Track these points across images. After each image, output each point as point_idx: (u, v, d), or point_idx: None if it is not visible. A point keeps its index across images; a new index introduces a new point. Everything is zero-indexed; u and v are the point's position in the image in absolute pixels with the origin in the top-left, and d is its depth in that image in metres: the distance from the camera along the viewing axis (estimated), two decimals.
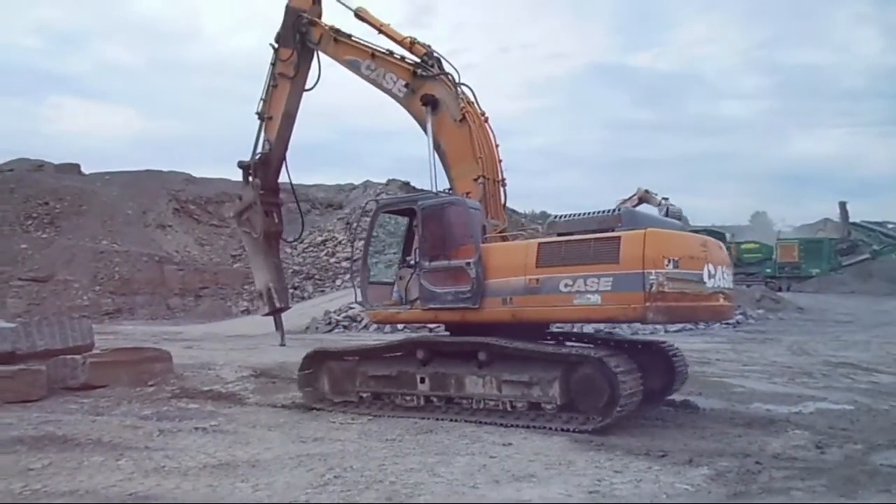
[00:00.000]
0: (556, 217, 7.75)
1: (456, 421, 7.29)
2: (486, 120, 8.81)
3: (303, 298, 30.52)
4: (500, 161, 8.81)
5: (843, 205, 45.55)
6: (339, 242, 33.27)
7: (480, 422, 7.17)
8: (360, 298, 8.64)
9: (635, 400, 6.91)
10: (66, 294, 29.61)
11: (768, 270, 40.06)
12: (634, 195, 27.74)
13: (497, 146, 8.83)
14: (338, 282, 30.45)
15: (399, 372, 7.97)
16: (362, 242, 9.21)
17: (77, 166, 41.22)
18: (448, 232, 7.84)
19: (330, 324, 22.20)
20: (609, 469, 5.48)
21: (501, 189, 8.80)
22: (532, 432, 6.83)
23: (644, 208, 20.45)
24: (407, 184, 38.64)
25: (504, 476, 5.29)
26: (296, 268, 33.70)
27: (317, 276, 31.81)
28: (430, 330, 19.29)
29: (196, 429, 7.09)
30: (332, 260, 32.40)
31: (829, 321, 23.98)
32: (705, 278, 7.05)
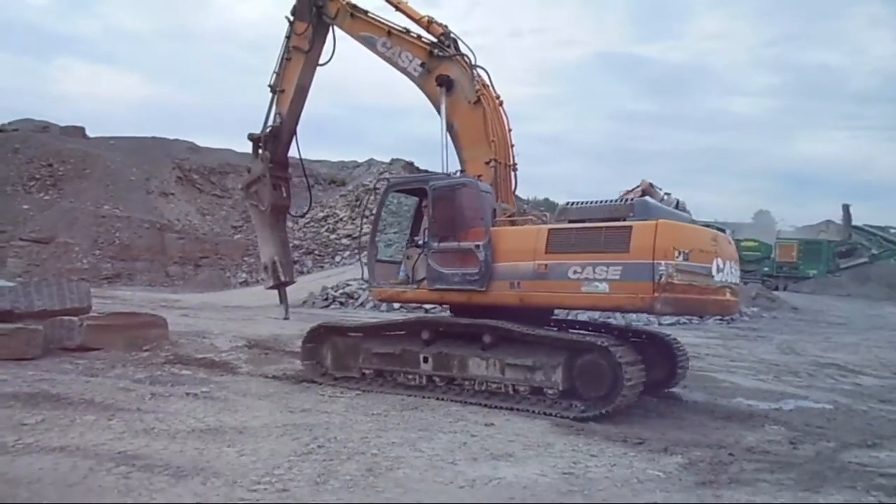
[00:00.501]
0: (567, 203, 7.73)
1: (456, 402, 7.35)
2: (501, 104, 8.77)
3: (301, 273, 30.64)
4: (512, 146, 8.80)
5: (846, 207, 45.44)
6: (341, 219, 33.36)
7: (481, 403, 7.23)
8: (366, 276, 8.69)
9: (637, 390, 6.97)
10: (66, 256, 29.77)
11: (766, 269, 40.13)
12: (638, 187, 27.76)
13: (510, 130, 8.82)
14: (337, 258, 30.59)
15: (402, 350, 8.02)
16: (370, 220, 9.26)
17: (82, 129, 41.17)
18: (458, 214, 7.83)
19: (327, 299, 22.35)
20: (586, 453, 5.64)
21: (512, 173, 8.78)
22: (514, 414, 6.99)
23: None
24: (411, 163, 38.62)
25: (483, 454, 5.45)
26: (296, 242, 33.78)
27: (317, 252, 31.92)
28: (426, 311, 19.49)
29: (187, 394, 7.25)
30: (333, 236, 32.49)
31: (822, 322, 24.12)
32: (714, 272, 7.06)
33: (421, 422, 6.53)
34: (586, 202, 7.49)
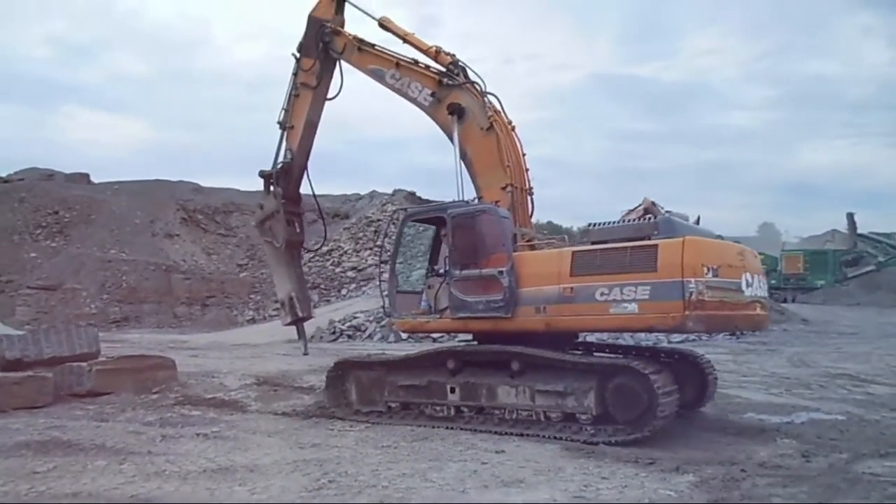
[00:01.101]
0: (590, 225, 7.70)
1: (487, 432, 7.25)
2: (513, 128, 8.76)
3: None
4: (527, 170, 8.75)
5: (850, 216, 45.38)
6: (345, 252, 33.50)
7: (509, 433, 7.11)
8: (387, 307, 8.66)
9: (672, 412, 6.86)
10: (74, 302, 29.94)
11: (773, 282, 39.96)
12: (640, 206, 27.87)
13: (524, 155, 8.79)
14: (343, 291, 30.66)
15: (429, 381, 7.91)
16: (386, 251, 9.24)
17: (87, 176, 41.74)
18: (479, 240, 7.77)
19: (334, 333, 22.37)
20: (597, 475, 5.62)
21: (529, 198, 8.76)
22: (525, 440, 6.97)
23: None
24: (413, 194, 38.87)
25: (493, 482, 5.44)
26: None
27: (322, 286, 32.01)
28: (434, 340, 19.45)
29: (197, 435, 7.27)
30: (338, 269, 32.61)
31: (833, 333, 23.95)
32: (743, 287, 6.99)
33: (431, 452, 6.53)
34: (609, 223, 7.46)
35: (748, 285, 7.06)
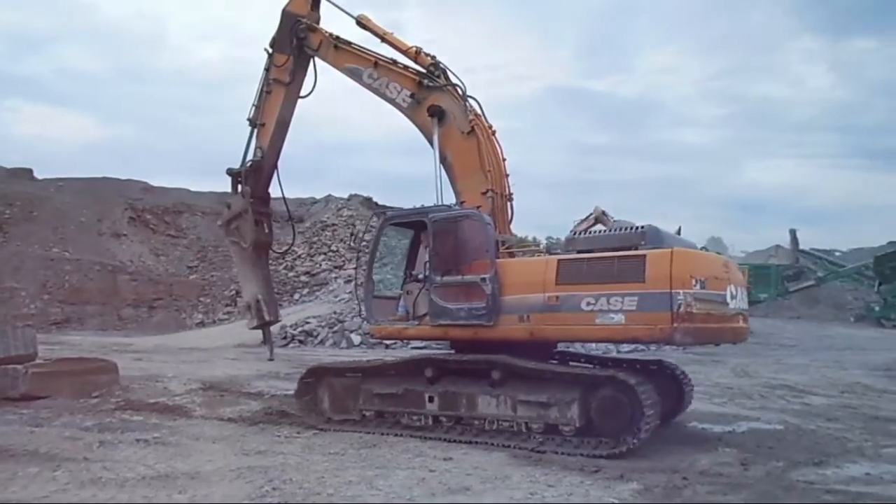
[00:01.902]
0: (574, 234, 7.62)
1: (465, 442, 7.10)
2: (494, 133, 8.61)
3: None
4: (507, 175, 8.61)
5: (793, 232, 46.91)
6: (299, 256, 33.03)
7: (491, 443, 6.99)
8: (363, 313, 8.47)
9: (655, 423, 6.78)
10: (13, 302, 28.70)
11: None
12: (591, 215, 28.27)
13: (504, 160, 8.61)
14: (296, 296, 30.22)
15: (406, 390, 7.72)
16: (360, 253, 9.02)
17: (29, 171, 40.09)
18: (461, 246, 7.64)
19: (286, 338, 22.01)
20: (543, 483, 5.67)
21: (508, 204, 8.59)
22: (473, 447, 6.98)
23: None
24: (369, 199, 38.65)
25: (440, 489, 5.43)
26: None
27: (274, 290, 31.52)
28: (387, 347, 19.28)
29: (138, 440, 7.06)
30: (291, 274, 32.12)
31: (774, 345, 24.73)
32: (728, 299, 6.96)
33: (379, 459, 6.47)
34: (595, 231, 7.34)
35: (732, 297, 7.06)
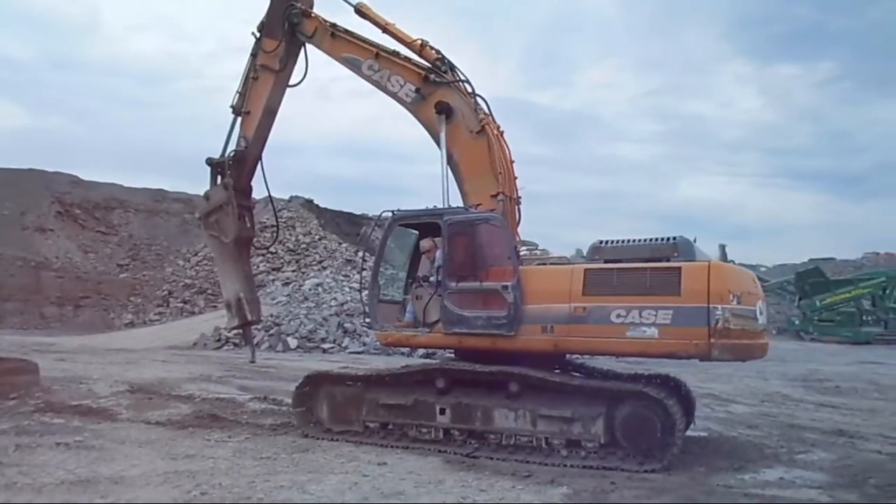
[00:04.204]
0: (601, 242, 7.20)
1: (481, 458, 6.78)
2: (502, 134, 8.31)
3: (192, 313, 29.44)
4: (515, 178, 8.31)
5: (722, 247, 48.32)
6: None
7: (508, 459, 6.69)
8: (368, 318, 8.11)
9: (682, 438, 6.61)
10: None
11: None
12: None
13: (512, 162, 8.31)
14: None
15: (415, 401, 7.33)
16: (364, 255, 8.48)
17: None
18: (479, 251, 7.28)
19: (220, 340, 21.50)
20: (475, 488, 5.72)
21: (517, 208, 8.31)
22: (408, 452, 6.98)
23: None
24: (310, 201, 38.26)
25: (373, 494, 5.42)
26: (187, 281, 32.48)
27: (209, 291, 30.73)
28: (324, 352, 19.01)
29: (58, 444, 6.77)
30: None
31: None
32: (758, 314, 6.86)
33: (312, 464, 6.41)
34: (622, 241, 7.08)
35: (761, 313, 6.98)
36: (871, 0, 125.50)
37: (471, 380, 7.24)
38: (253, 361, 10.73)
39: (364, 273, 8.59)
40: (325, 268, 30.17)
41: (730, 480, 6.26)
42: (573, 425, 6.72)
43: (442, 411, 7.23)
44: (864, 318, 32.12)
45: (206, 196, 9.67)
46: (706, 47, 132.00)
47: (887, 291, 32.19)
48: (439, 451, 7.01)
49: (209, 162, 9.52)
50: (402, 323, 7.87)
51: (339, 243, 33.78)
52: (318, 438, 7.55)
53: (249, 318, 9.49)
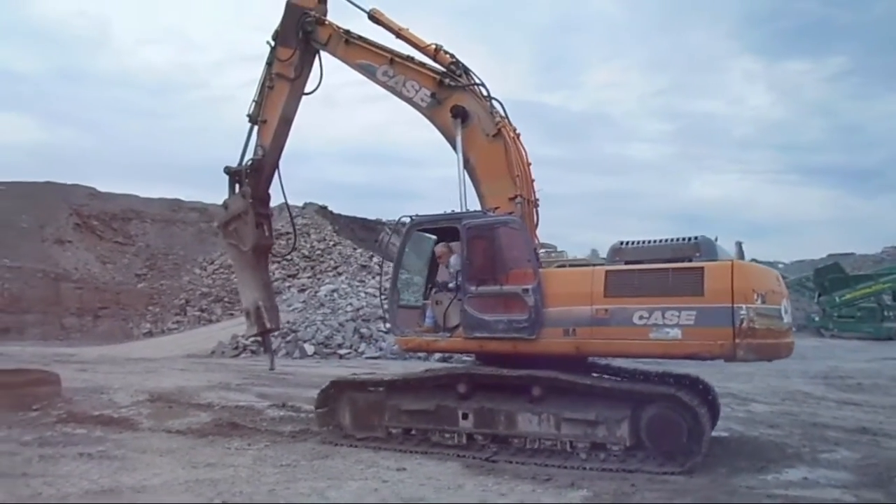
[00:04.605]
0: (621, 243, 7.18)
1: (503, 462, 6.75)
2: (518, 136, 8.30)
3: (210, 322, 29.63)
4: (533, 180, 8.29)
5: (739, 244, 48.07)
6: None
7: (530, 463, 6.64)
8: (388, 324, 8.14)
9: (708, 445, 6.52)
10: None
11: None
12: None
13: (529, 164, 8.30)
14: None
15: (437, 406, 7.32)
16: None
17: None
18: (499, 254, 7.27)
19: (237, 348, 21.60)
20: (495, 492, 5.73)
21: (535, 210, 8.26)
22: (427, 457, 6.98)
23: None
24: (324, 208, 38.42)
25: (393, 499, 5.44)
26: (204, 290, 32.71)
27: (226, 299, 30.93)
28: (341, 357, 19.03)
29: (81, 454, 6.85)
30: None
31: None
32: (783, 313, 6.82)
33: (331, 470, 6.43)
34: (642, 241, 7.06)
35: (786, 311, 6.93)
36: None
37: (493, 384, 7.21)
38: (272, 369, 10.74)
39: (383, 278, 8.60)
40: (340, 273, 30.26)
41: (752, 481, 6.20)
42: (598, 428, 6.68)
43: (465, 416, 7.21)
44: (885, 313, 31.67)
45: (225, 205, 9.75)
46: (713, 45, 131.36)
47: None
48: (458, 455, 6.98)
49: (227, 171, 9.60)
50: (423, 328, 7.86)
51: (354, 249, 33.87)
52: (339, 445, 7.55)
53: (268, 325, 9.54)
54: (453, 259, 7.79)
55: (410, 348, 8.60)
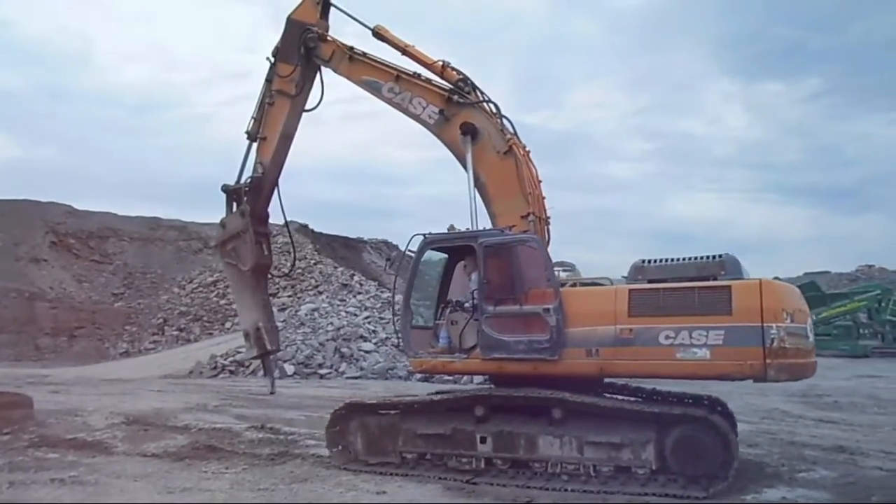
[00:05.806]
0: (643, 262, 7.01)
1: (521, 486, 6.57)
2: (528, 154, 8.20)
3: (188, 341, 29.29)
4: (544, 198, 8.20)
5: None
6: (230, 284, 32.28)
7: (551, 488, 6.47)
8: (401, 345, 7.93)
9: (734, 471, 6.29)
10: None
11: None
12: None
13: (540, 182, 8.21)
14: (227, 324, 29.43)
15: (454, 430, 7.09)
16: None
17: None
18: (517, 273, 7.13)
19: (216, 368, 21.37)
20: None
21: (546, 228, 8.15)
22: (408, 480, 6.92)
23: None
24: (305, 226, 38.27)
25: None
26: (182, 309, 32.35)
27: (205, 318, 30.64)
28: (321, 377, 18.84)
29: (53, 480, 6.70)
30: (223, 302, 31.30)
31: None
32: (808, 332, 6.71)
33: (310, 494, 6.36)
34: (665, 260, 6.94)
35: (810, 330, 6.84)
36: (848, 18, 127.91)
37: (511, 406, 7.04)
38: (273, 392, 10.36)
39: (394, 298, 8.38)
40: (320, 292, 30.10)
41: (732, 502, 6.21)
42: (622, 451, 6.50)
43: (483, 440, 7.00)
44: (860, 331, 32.08)
45: (223, 224, 9.56)
46: (692, 66, 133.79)
47: (883, 304, 32.20)
48: (472, 482, 6.80)
49: (225, 189, 9.45)
50: (437, 349, 7.61)
51: (335, 267, 33.76)
52: (355, 472, 7.29)
53: (269, 347, 9.33)
54: (474, 276, 7.54)
55: (424, 370, 8.37)
